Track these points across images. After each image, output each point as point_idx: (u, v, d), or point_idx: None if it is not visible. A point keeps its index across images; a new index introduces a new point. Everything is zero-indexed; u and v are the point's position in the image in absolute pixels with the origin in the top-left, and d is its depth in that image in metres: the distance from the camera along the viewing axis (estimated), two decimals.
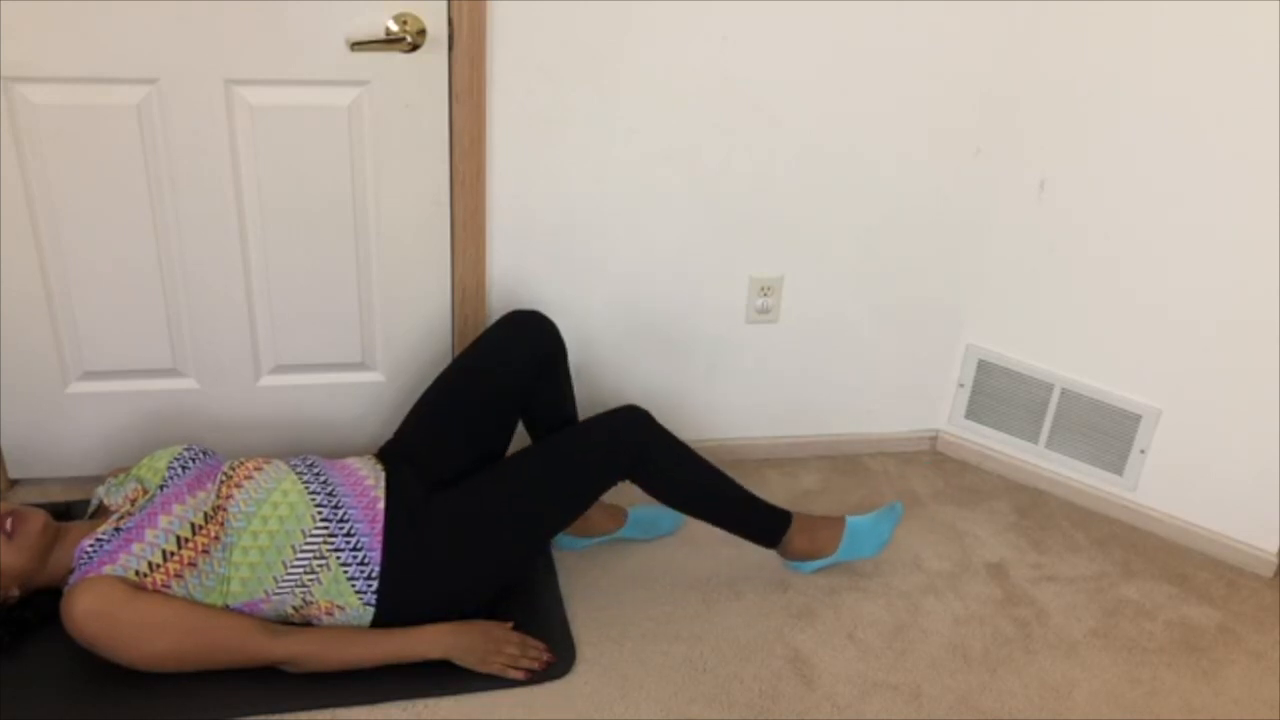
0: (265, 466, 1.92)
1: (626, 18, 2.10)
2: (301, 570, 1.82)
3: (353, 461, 1.99)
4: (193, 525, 1.79)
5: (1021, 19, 2.25)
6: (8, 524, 1.76)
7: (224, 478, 1.88)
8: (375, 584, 1.84)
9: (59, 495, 2.25)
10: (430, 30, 2.01)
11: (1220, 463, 2.35)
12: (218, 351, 2.26)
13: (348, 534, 1.85)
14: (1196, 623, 2.21)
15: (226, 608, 1.79)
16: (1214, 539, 2.41)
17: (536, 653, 1.92)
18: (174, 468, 1.89)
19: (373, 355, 2.34)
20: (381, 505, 1.89)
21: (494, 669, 1.87)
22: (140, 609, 1.70)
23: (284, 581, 1.81)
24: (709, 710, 1.89)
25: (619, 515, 2.25)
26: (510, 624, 1.95)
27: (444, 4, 2.01)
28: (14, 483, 2.32)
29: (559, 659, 1.94)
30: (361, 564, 1.84)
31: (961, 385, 2.64)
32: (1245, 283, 2.20)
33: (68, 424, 2.27)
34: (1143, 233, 2.29)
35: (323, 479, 1.91)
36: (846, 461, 2.66)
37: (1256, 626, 2.21)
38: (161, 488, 1.85)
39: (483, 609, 1.95)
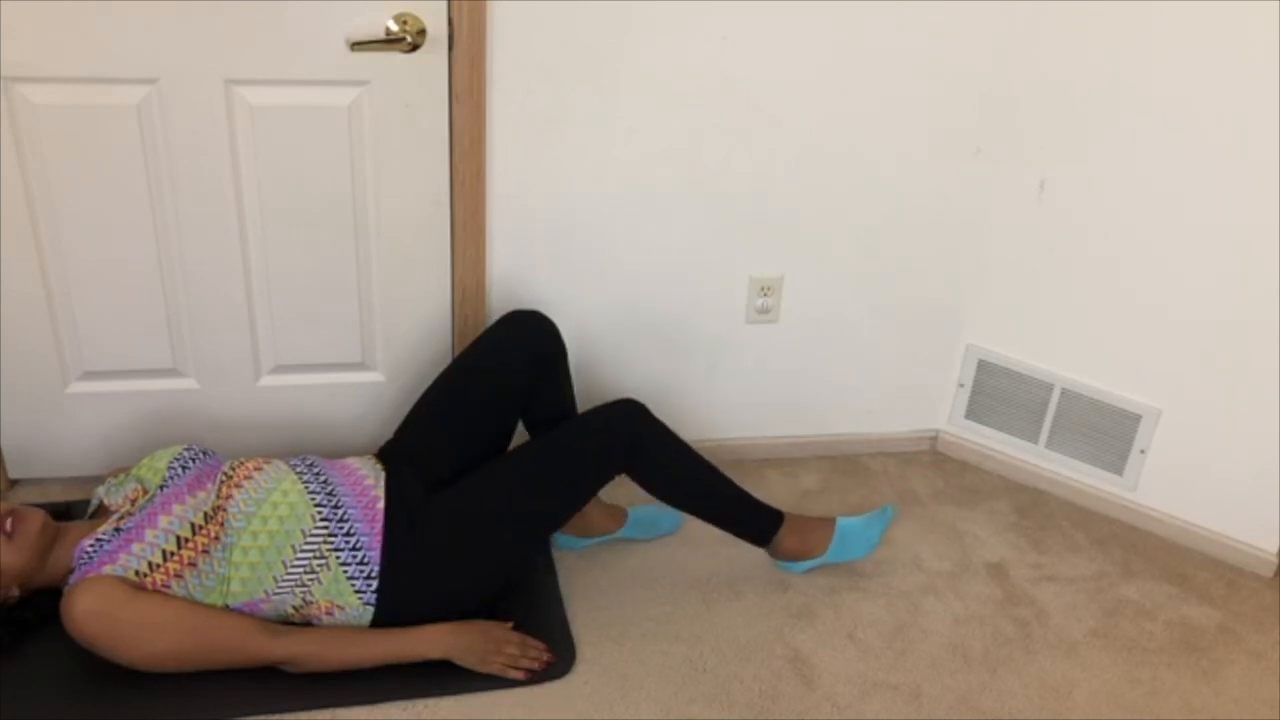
0: (265, 466, 1.92)
1: (626, 18, 2.10)
2: (301, 570, 1.82)
3: (353, 461, 1.99)
4: (193, 525, 1.79)
5: (1021, 19, 2.25)
6: (7, 524, 1.76)
7: (224, 478, 1.88)
8: (375, 584, 1.84)
9: (59, 495, 2.25)
10: (430, 30, 2.01)
11: (1220, 463, 2.35)
12: (218, 351, 2.26)
13: (347, 534, 1.85)
14: (1196, 623, 2.21)
15: (226, 608, 1.79)
16: (1214, 539, 2.41)
17: (536, 653, 1.92)
18: (174, 468, 1.89)
19: (373, 355, 2.34)
20: (381, 505, 1.89)
21: (494, 669, 1.88)
22: (140, 609, 1.70)
23: (284, 581, 1.81)
24: (709, 710, 1.89)
25: (619, 515, 2.25)
26: (510, 624, 1.95)
27: (444, 4, 2.01)
28: (14, 483, 2.32)
29: (559, 659, 1.94)
30: (361, 564, 1.84)
31: (961, 385, 2.64)
32: (1245, 283, 2.20)
33: (68, 424, 2.27)
34: (1143, 233, 2.29)
35: (323, 479, 1.91)
36: (846, 461, 2.66)
37: (1256, 626, 2.21)
38: (161, 488, 1.85)
39: (483, 609, 1.95)
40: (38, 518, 1.80)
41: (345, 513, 1.87)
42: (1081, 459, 2.53)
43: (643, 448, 1.97)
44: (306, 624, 1.85)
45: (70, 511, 2.08)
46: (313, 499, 1.87)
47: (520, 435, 2.14)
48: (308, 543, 1.83)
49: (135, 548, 1.75)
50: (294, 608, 1.83)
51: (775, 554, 2.16)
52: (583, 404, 2.33)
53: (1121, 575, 2.33)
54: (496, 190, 2.21)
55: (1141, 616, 2.21)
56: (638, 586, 2.17)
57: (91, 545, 1.75)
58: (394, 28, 1.99)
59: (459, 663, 1.87)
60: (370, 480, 1.93)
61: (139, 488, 1.88)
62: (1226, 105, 2.11)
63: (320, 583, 1.83)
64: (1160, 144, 2.21)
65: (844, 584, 2.21)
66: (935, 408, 2.69)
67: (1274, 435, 2.26)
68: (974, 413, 2.65)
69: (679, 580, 2.19)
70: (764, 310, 2.46)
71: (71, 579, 1.74)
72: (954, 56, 2.27)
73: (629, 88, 2.17)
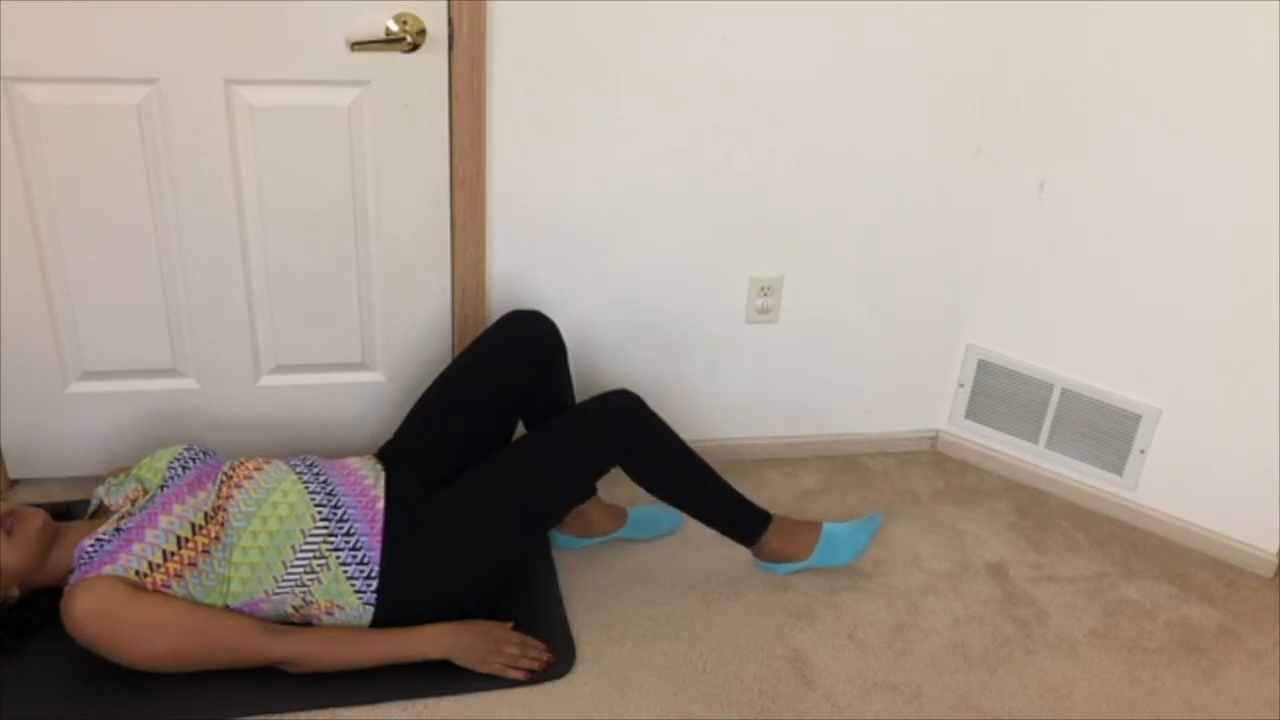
0: (265, 466, 1.92)
1: (626, 18, 2.10)
2: (301, 570, 1.82)
3: (352, 461, 1.99)
4: (193, 525, 1.79)
5: (1021, 19, 2.25)
6: (8, 523, 1.76)
7: (224, 478, 1.88)
8: (375, 584, 1.84)
9: (59, 495, 2.25)
10: (430, 30, 2.01)
11: (1220, 463, 2.35)
12: (218, 351, 2.26)
13: (347, 534, 1.85)
14: (1196, 623, 2.21)
15: (226, 608, 1.79)
16: (1214, 539, 2.41)
17: (536, 653, 1.92)
18: (174, 468, 1.89)
19: (373, 355, 2.34)
20: (381, 505, 1.89)
21: (494, 669, 1.87)
22: (140, 609, 1.70)
23: (284, 581, 1.81)
24: (709, 710, 1.89)
25: (619, 515, 2.25)
26: (510, 624, 1.95)
27: (444, 4, 2.01)
28: (14, 483, 2.32)
29: (559, 659, 1.94)
30: (361, 564, 1.84)
31: (961, 385, 2.64)
32: (1245, 283, 2.20)
33: (68, 424, 2.27)
34: (1143, 233, 2.29)
35: (322, 479, 1.91)
36: (846, 461, 2.66)
37: (1256, 626, 2.21)
38: (162, 488, 1.85)
39: (483, 608, 1.95)
40: (38, 517, 1.80)
41: (345, 513, 1.87)
42: (1081, 459, 2.53)
43: (638, 440, 1.97)
44: (306, 624, 1.85)
45: (70, 511, 2.08)
46: (313, 499, 1.87)
47: (520, 435, 2.14)
48: (308, 543, 1.83)
49: (135, 548, 1.75)
50: (294, 608, 1.83)
51: (760, 554, 2.16)
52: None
53: (1121, 575, 2.33)
54: (496, 190, 2.21)
55: (1141, 616, 2.21)
56: (638, 586, 2.17)
57: (92, 545, 1.75)
58: (394, 28, 1.99)
59: (459, 663, 1.87)
60: (370, 480, 1.93)
61: (139, 488, 1.88)
62: (1226, 105, 2.11)
63: (320, 583, 1.83)
64: (1160, 144, 2.21)
65: (844, 584, 2.21)
66: (935, 408, 2.69)
67: (1274, 435, 2.26)
68: (974, 413, 2.65)
69: (679, 580, 2.19)
70: (764, 310, 2.46)
71: (72, 579, 1.74)
72: (954, 56, 2.27)
73: (629, 88, 2.17)
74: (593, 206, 2.27)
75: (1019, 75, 2.30)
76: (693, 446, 2.07)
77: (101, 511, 1.92)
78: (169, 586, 1.74)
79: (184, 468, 1.89)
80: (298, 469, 1.93)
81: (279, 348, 2.28)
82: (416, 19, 2.00)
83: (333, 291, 2.25)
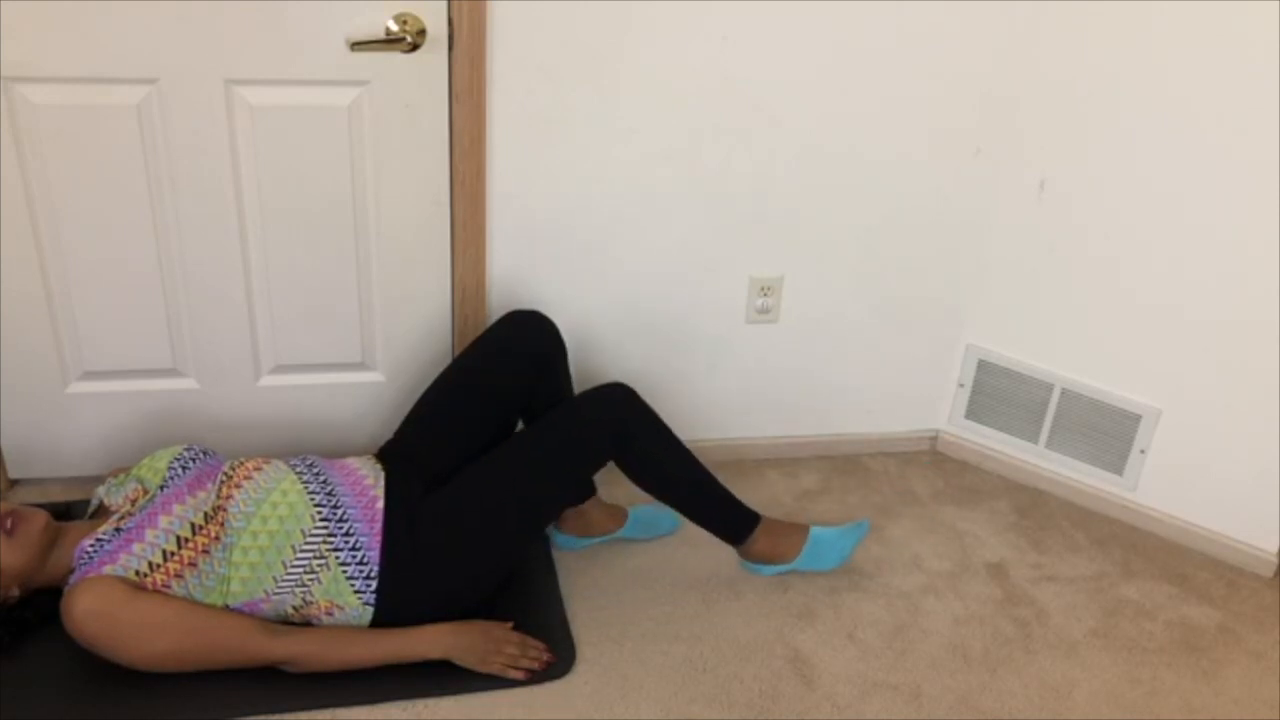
0: (265, 466, 1.92)
1: (626, 18, 2.10)
2: (301, 570, 1.82)
3: (352, 461, 1.99)
4: (193, 525, 1.79)
5: (1021, 19, 2.25)
6: (8, 523, 1.76)
7: (224, 478, 1.88)
8: (374, 584, 1.84)
9: (59, 495, 2.25)
10: (430, 30, 2.01)
11: (1220, 463, 2.35)
12: (218, 351, 2.26)
13: (347, 534, 1.85)
14: (1196, 623, 2.21)
15: (226, 608, 1.79)
16: (1214, 539, 2.41)
17: (536, 653, 1.92)
18: (174, 468, 1.89)
19: (373, 355, 2.34)
20: (380, 505, 1.89)
21: (494, 669, 1.87)
22: (140, 609, 1.70)
23: (284, 581, 1.81)
24: (709, 710, 1.89)
25: (619, 515, 2.25)
26: (510, 624, 1.95)
27: (444, 4, 2.01)
28: (14, 483, 2.32)
29: (559, 659, 1.94)
30: (361, 564, 1.84)
31: (961, 385, 2.64)
32: (1245, 283, 2.20)
33: (68, 424, 2.27)
34: (1143, 233, 2.29)
35: (322, 479, 1.91)
36: (846, 461, 2.66)
37: (1256, 626, 2.21)
38: (162, 488, 1.85)
39: (482, 607, 1.95)
40: (39, 517, 1.80)
41: (345, 513, 1.87)
42: (1081, 459, 2.53)
43: (632, 433, 1.98)
44: (306, 624, 1.85)
45: (70, 511, 2.08)
46: (312, 499, 1.87)
47: (516, 432, 2.14)
48: (307, 543, 1.83)
49: (135, 548, 1.75)
50: (294, 608, 1.83)
51: (745, 555, 2.16)
52: None
53: (1121, 575, 2.33)
54: (496, 190, 2.21)
55: (1141, 616, 2.21)
56: (638, 586, 2.17)
57: (92, 545, 1.75)
58: (394, 28, 1.99)
59: (459, 663, 1.87)
60: (370, 480, 1.93)
61: (139, 488, 1.88)
62: (1226, 105, 2.11)
63: (320, 583, 1.83)
64: (1160, 144, 2.21)
65: (844, 584, 2.21)
66: (935, 408, 2.69)
67: (1274, 435, 2.26)
68: (974, 413, 2.65)
69: (679, 580, 2.19)
70: (764, 310, 2.46)
71: (72, 579, 1.74)
72: (954, 56, 2.27)
73: (629, 88, 2.17)
74: (593, 206, 2.27)
75: (1019, 75, 2.30)
76: (693, 446, 2.07)
77: (101, 511, 1.92)
78: (169, 586, 1.74)
79: (184, 468, 1.89)
80: (298, 469, 1.93)
81: (279, 348, 2.28)
82: (416, 19, 2.00)
83: (333, 291, 2.25)
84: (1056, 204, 2.37)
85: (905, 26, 2.22)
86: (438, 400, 2.09)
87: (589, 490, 2.20)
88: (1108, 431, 2.47)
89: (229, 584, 1.79)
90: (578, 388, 2.35)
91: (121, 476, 1.94)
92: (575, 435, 1.97)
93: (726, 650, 2.02)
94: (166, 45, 1.95)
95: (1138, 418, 2.41)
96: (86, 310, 2.16)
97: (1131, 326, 2.36)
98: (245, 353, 2.27)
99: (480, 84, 2.08)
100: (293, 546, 1.82)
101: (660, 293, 2.40)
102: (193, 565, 1.77)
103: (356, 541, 1.85)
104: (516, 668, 1.89)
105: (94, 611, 1.68)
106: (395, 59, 2.04)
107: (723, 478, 2.11)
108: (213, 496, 1.85)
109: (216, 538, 1.80)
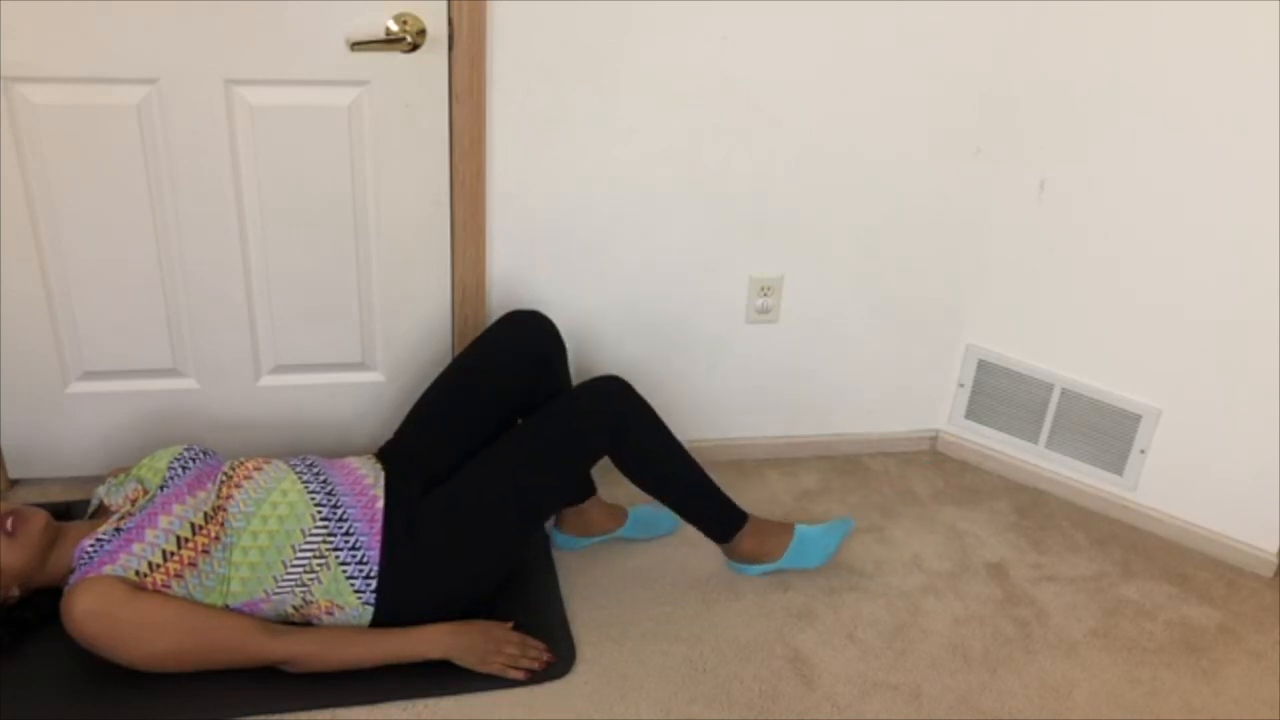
0: (265, 466, 1.92)
1: (626, 18, 2.10)
2: (301, 570, 1.82)
3: (352, 461, 1.99)
4: (193, 525, 1.79)
5: (1021, 19, 2.25)
6: (9, 523, 1.76)
7: (224, 478, 1.88)
8: (374, 583, 1.84)
9: (59, 495, 2.25)
10: (430, 30, 2.01)
11: (1220, 463, 2.35)
12: (218, 351, 2.26)
13: (347, 533, 1.85)
14: (1196, 623, 2.21)
15: (226, 608, 1.79)
16: (1214, 539, 2.41)
17: (536, 653, 1.92)
18: (174, 468, 1.89)
19: (373, 355, 2.34)
20: (380, 505, 1.89)
21: (494, 669, 1.87)
22: (140, 609, 1.70)
23: (284, 581, 1.81)
24: (709, 710, 1.89)
25: (619, 514, 2.25)
26: (510, 624, 1.95)
27: (444, 4, 2.01)
28: (14, 483, 2.32)
29: (559, 659, 1.94)
30: (360, 563, 1.84)
31: (961, 385, 2.64)
32: (1245, 283, 2.20)
33: (68, 424, 2.27)
34: (1143, 233, 2.29)
35: (322, 479, 1.91)
36: (846, 461, 2.66)
37: (1256, 626, 2.21)
38: (162, 488, 1.85)
39: (482, 607, 1.95)
40: (40, 517, 1.80)
41: (345, 512, 1.87)
42: (1081, 459, 2.53)
43: (626, 428, 1.98)
44: (306, 624, 1.85)
45: (70, 511, 2.08)
46: (312, 499, 1.87)
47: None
48: (307, 543, 1.83)
49: (135, 548, 1.75)
50: (294, 607, 1.83)
51: (731, 554, 2.17)
52: None
53: (1121, 575, 2.33)
54: (496, 190, 2.21)
55: (1141, 616, 2.21)
56: (638, 586, 2.17)
57: (92, 545, 1.75)
58: (394, 28, 1.99)
59: (459, 663, 1.87)
60: (370, 480, 1.93)
61: (139, 488, 1.88)
62: (1226, 105, 2.11)
63: (320, 582, 1.83)
64: (1160, 144, 2.21)
65: (844, 584, 2.21)
66: (935, 408, 2.69)
67: (1274, 435, 2.26)
68: (974, 413, 2.65)
69: (679, 580, 2.19)
70: (764, 310, 2.47)
71: (72, 579, 1.74)
72: (954, 56, 2.27)
73: (629, 88, 2.17)
74: (593, 206, 2.27)
75: (1019, 75, 2.30)
76: (692, 446, 2.07)
77: (101, 511, 1.92)
78: (169, 586, 1.74)
79: (184, 468, 1.89)
80: (297, 469, 1.93)
81: (279, 348, 2.28)
82: (416, 19, 2.00)
83: (333, 291, 2.25)
84: (1056, 204, 2.37)
85: (905, 26, 2.22)
86: (438, 400, 2.09)
87: (589, 489, 2.20)
88: (1108, 431, 2.47)
89: (229, 584, 1.79)
90: None
91: (121, 476, 1.94)
92: (572, 426, 1.97)
93: (726, 650, 2.02)
94: (166, 45, 1.95)
95: (1138, 418, 2.42)
96: (86, 310, 2.16)
97: (1131, 326, 2.36)
98: (245, 353, 2.27)
99: (480, 84, 2.08)
100: (293, 546, 1.82)
101: (660, 293, 2.40)
102: (193, 565, 1.77)
103: (356, 541, 1.85)
104: (516, 668, 1.89)
105: (94, 611, 1.68)
106: (395, 59, 2.04)
107: (723, 478, 2.12)
108: (213, 496, 1.85)
109: (216, 538, 1.80)
